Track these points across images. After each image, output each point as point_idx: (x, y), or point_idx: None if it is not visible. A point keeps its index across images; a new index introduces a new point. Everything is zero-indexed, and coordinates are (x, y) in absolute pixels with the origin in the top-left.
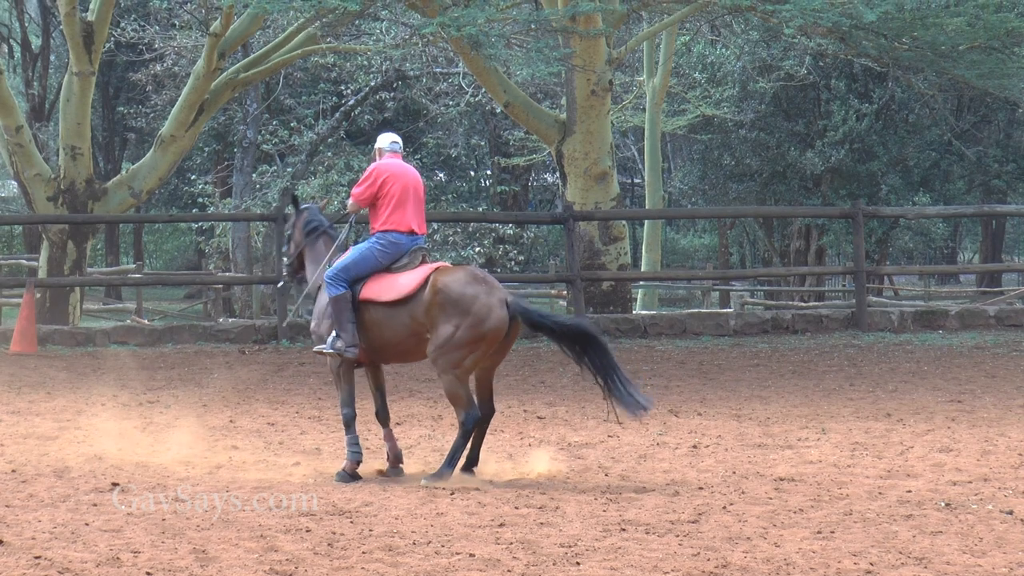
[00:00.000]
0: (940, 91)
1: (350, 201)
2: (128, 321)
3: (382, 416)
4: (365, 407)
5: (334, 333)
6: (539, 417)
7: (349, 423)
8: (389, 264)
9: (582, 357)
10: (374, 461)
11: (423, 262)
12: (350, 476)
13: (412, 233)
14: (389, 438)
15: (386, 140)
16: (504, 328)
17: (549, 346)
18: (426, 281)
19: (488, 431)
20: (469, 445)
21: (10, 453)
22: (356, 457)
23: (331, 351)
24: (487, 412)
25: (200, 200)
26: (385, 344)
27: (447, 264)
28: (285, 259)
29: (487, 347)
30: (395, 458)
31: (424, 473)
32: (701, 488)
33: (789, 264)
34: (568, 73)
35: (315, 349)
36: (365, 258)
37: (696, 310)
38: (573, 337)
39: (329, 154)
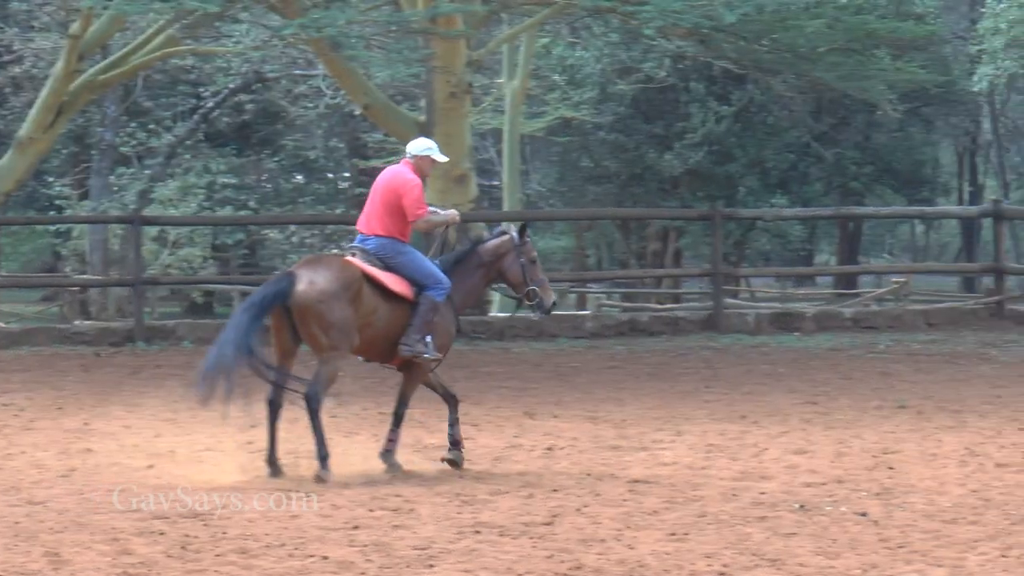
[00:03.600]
0: (799, 93)
1: None
2: None
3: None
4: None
5: None
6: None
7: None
8: None
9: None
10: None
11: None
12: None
13: (361, 234)
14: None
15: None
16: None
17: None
18: None
19: (344, 433)
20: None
21: None
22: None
23: None
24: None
25: (57, 202)
26: None
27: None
28: None
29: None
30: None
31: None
32: (556, 490)
33: (646, 266)
34: (428, 75)
35: None
36: None
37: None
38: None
39: (187, 156)
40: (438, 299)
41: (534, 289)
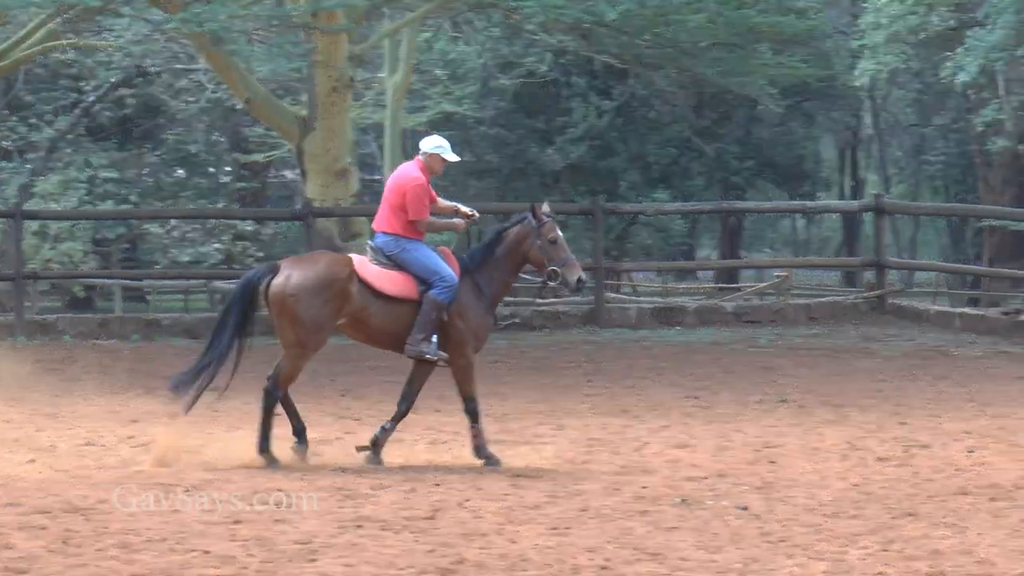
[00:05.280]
0: (681, 88)
1: None
2: None
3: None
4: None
5: None
6: (276, 414)
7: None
8: None
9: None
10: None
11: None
12: None
13: (375, 232)
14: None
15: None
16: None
17: None
18: None
19: (226, 428)
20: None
21: None
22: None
23: None
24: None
25: None
26: None
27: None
28: None
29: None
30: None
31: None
32: (438, 484)
33: None
34: (309, 70)
35: None
36: None
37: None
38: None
39: (69, 151)
40: (441, 298)
41: (555, 269)
